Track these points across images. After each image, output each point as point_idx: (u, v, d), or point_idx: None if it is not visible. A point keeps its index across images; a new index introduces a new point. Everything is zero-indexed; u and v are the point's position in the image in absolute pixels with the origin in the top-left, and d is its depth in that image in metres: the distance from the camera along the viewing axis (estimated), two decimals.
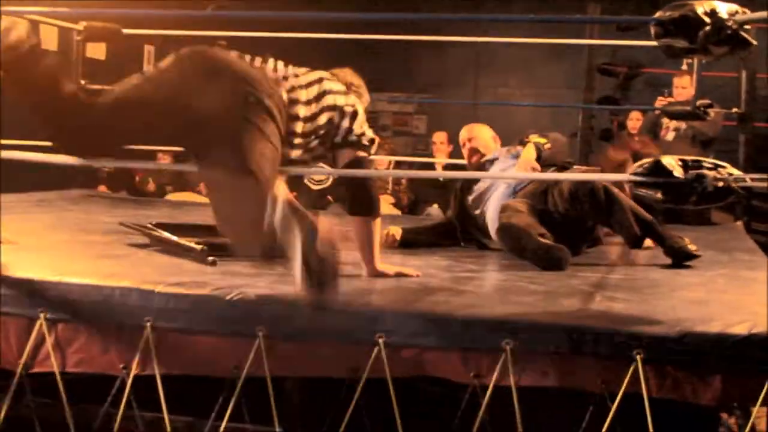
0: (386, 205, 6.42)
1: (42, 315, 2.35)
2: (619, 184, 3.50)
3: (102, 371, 2.35)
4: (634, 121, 7.53)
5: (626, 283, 2.96)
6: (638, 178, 2.42)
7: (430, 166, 7.14)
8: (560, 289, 2.78)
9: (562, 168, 3.85)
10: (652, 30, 2.44)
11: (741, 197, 2.42)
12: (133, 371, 2.29)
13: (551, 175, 3.77)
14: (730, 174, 2.39)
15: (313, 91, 2.72)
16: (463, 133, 4.19)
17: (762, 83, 5.90)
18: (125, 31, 4.77)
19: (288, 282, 2.30)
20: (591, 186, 3.43)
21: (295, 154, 2.69)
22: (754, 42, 2.45)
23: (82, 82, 5.28)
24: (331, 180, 4.49)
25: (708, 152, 6.25)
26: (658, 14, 2.44)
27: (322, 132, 2.74)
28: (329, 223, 2.27)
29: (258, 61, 2.66)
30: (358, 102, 2.86)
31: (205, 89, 2.47)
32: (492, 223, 3.70)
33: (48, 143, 2.58)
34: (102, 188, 7.44)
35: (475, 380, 2.17)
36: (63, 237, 3.39)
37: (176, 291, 2.39)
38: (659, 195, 2.43)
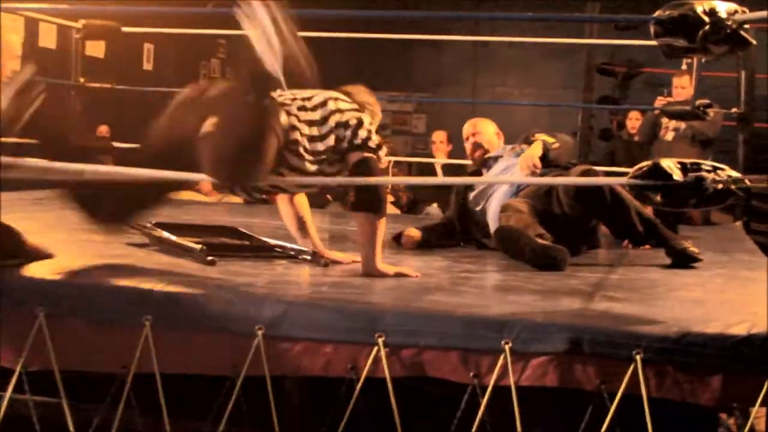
0: None
1: (41, 313, 2.35)
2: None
3: (101, 370, 2.35)
4: (633, 120, 7.54)
5: (625, 283, 2.96)
6: (637, 182, 2.42)
7: (429, 166, 7.14)
8: (560, 289, 2.78)
9: (565, 169, 3.84)
10: (652, 29, 2.44)
11: (740, 198, 2.42)
12: (132, 370, 2.29)
13: (548, 180, 3.75)
14: (729, 176, 2.39)
15: (319, 113, 2.85)
16: (467, 128, 4.18)
17: (761, 83, 5.90)
18: (124, 29, 4.77)
19: (287, 282, 2.30)
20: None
21: (312, 168, 2.81)
22: (754, 41, 2.46)
23: (81, 80, 5.30)
24: None
25: (707, 152, 6.27)
26: (657, 13, 2.44)
27: (333, 147, 2.85)
28: None
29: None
30: (362, 113, 2.93)
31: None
32: (493, 222, 3.70)
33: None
34: None
35: (475, 380, 2.16)
36: (62, 236, 3.39)
37: (175, 290, 2.39)
38: (658, 198, 2.43)
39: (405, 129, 11.25)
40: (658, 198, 2.38)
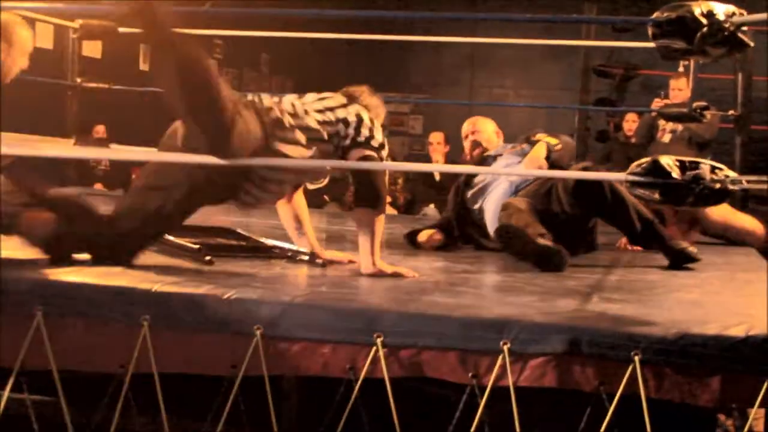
0: None
1: (39, 313, 2.35)
2: None
3: (99, 370, 2.35)
4: (630, 122, 7.54)
5: (624, 285, 2.97)
6: (636, 179, 2.42)
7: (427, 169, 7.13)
8: (558, 289, 2.78)
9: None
10: (650, 31, 2.44)
11: (738, 199, 2.42)
12: (131, 370, 2.29)
13: (548, 173, 3.76)
14: (727, 176, 2.39)
15: (319, 114, 2.90)
16: (466, 126, 4.19)
17: (759, 85, 5.90)
18: (121, 29, 4.76)
19: (286, 282, 2.29)
20: (597, 181, 3.45)
21: (303, 140, 2.83)
22: (751, 43, 2.46)
23: (78, 80, 5.30)
24: (327, 180, 4.50)
25: (704, 154, 6.27)
26: (655, 15, 2.45)
27: (329, 128, 2.89)
28: None
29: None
30: (363, 110, 2.95)
31: None
32: (492, 222, 3.70)
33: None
34: (98, 186, 7.44)
35: (473, 381, 2.16)
36: None
37: (173, 290, 2.39)
38: (656, 195, 2.43)
39: (402, 130, 11.26)
40: (656, 195, 2.38)
